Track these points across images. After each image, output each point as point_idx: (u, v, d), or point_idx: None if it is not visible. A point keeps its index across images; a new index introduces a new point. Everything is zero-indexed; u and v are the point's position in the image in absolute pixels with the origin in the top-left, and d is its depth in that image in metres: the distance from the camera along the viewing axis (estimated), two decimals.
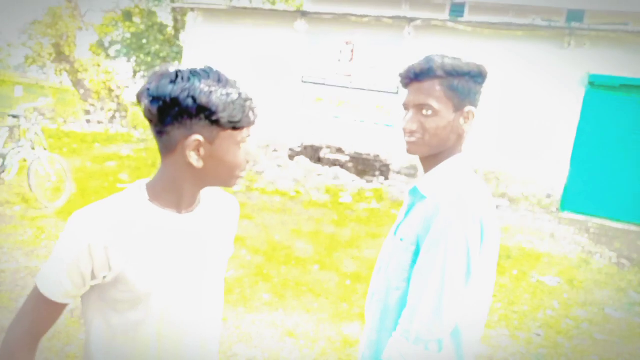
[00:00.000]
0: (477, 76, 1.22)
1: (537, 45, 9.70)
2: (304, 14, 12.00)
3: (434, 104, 1.18)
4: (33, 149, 5.67)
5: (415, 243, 1.15)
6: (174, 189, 1.03)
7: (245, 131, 1.03)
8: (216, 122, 0.96)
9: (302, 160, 10.29)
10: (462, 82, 1.19)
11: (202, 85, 0.94)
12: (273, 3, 22.71)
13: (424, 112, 1.20)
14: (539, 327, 4.02)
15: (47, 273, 0.98)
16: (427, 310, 1.09)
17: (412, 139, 1.25)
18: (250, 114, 1.02)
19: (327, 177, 9.61)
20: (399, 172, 10.78)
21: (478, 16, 11.14)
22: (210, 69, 0.98)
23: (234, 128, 0.99)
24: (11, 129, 5.88)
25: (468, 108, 1.23)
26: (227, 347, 3.05)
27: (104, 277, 0.97)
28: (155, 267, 1.00)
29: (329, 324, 3.52)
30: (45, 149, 5.84)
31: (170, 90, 0.93)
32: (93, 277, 0.97)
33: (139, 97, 0.99)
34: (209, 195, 1.14)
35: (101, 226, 0.96)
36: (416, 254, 1.15)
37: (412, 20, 10.73)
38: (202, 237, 1.09)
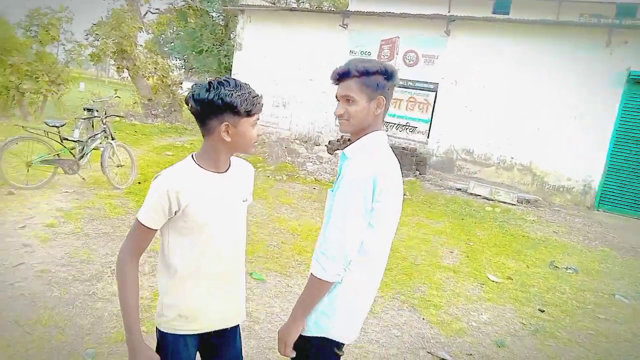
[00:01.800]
0: (385, 74, 1.63)
1: (578, 42, 9.77)
2: (347, 14, 12.51)
3: (353, 95, 1.62)
4: (105, 138, 6.56)
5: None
6: (214, 157, 1.64)
7: (255, 116, 1.61)
8: (237, 113, 1.55)
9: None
10: (373, 79, 1.62)
11: (225, 90, 1.53)
12: (319, 3, 23.28)
13: (348, 101, 1.64)
14: (544, 305, 4.42)
15: (144, 210, 1.56)
16: (337, 243, 1.55)
17: (341, 120, 1.69)
18: (258, 105, 1.60)
19: None
20: (434, 167, 11.13)
21: (524, 13, 11.23)
22: (229, 78, 1.59)
23: (248, 115, 1.58)
24: (86, 120, 6.79)
25: (379, 97, 1.64)
26: (266, 301, 3.70)
27: (175, 212, 1.60)
28: (206, 207, 1.63)
29: None
30: (114, 139, 6.73)
31: (206, 95, 1.53)
32: (170, 212, 1.59)
33: (187, 101, 1.58)
34: (235, 162, 1.77)
35: (173, 180, 1.58)
36: None
37: (452, 18, 10.99)
38: (233, 189, 1.72)
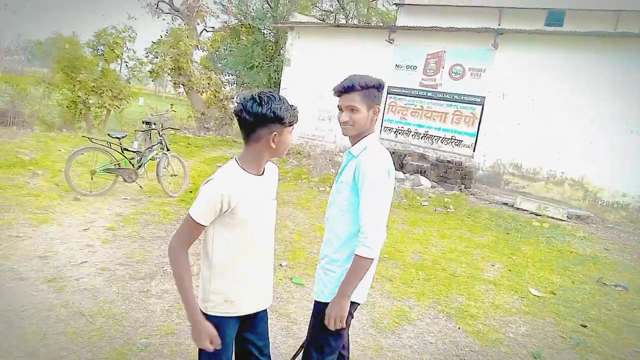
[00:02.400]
0: (379, 87, 2.03)
1: (636, 54, 9.44)
2: (393, 29, 12.67)
3: (357, 105, 1.98)
4: (161, 149, 7.02)
5: (350, 182, 2.00)
6: (258, 162, 1.90)
7: (293, 126, 1.90)
8: (283, 123, 1.82)
9: None
10: (371, 91, 2.00)
11: (275, 104, 1.78)
12: (367, 18, 23.55)
13: (352, 110, 2.00)
14: (588, 321, 4.33)
15: (197, 209, 1.79)
16: (377, 226, 1.94)
17: (346, 127, 2.05)
18: (297, 116, 1.89)
19: (408, 183, 10.16)
20: (480, 181, 10.98)
21: (579, 24, 10.98)
22: (273, 92, 1.82)
23: (289, 125, 1.85)
24: (144, 133, 7.30)
25: (375, 106, 2.03)
26: (304, 304, 3.87)
27: (225, 211, 1.82)
28: (250, 206, 1.85)
29: (387, 299, 4.20)
30: (169, 150, 7.19)
31: (259, 109, 1.76)
32: (220, 211, 1.82)
33: (238, 112, 1.79)
34: (267, 165, 2.01)
35: (226, 185, 1.81)
36: (353, 189, 2.01)
37: (500, 31, 10.90)
38: (268, 189, 1.98)
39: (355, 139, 2.06)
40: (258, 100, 1.76)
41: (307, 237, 5.81)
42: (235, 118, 1.88)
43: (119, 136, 6.48)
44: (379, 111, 2.03)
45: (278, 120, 1.78)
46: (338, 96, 2.04)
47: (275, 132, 1.81)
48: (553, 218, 8.86)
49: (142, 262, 4.19)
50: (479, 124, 11.23)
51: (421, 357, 3.28)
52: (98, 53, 14.83)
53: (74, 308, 3.19)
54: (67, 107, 13.41)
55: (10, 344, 2.67)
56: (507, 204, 9.75)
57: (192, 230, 1.83)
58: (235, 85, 27.95)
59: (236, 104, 1.83)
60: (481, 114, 11.21)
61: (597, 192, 9.75)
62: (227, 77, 25.27)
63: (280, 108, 1.78)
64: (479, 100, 11.20)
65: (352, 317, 2.17)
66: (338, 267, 2.05)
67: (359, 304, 2.12)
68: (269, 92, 1.80)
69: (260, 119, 1.77)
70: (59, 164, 7.26)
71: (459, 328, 3.82)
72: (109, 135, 6.54)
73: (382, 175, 1.96)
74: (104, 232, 4.84)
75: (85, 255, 4.13)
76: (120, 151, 6.52)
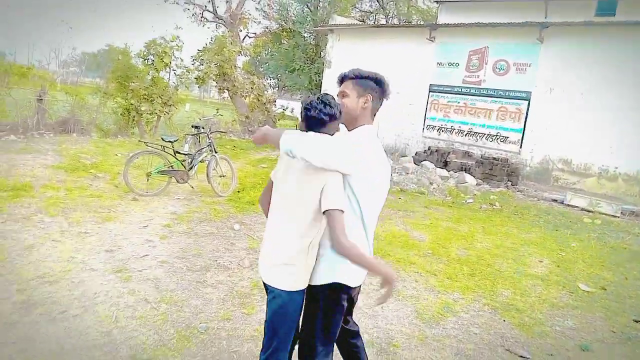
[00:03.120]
0: (376, 80, 2.12)
1: None
2: (434, 27, 12.61)
3: (347, 90, 2.12)
4: (210, 151, 7.36)
5: None
6: None
7: None
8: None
9: (428, 164, 10.90)
10: (363, 81, 2.11)
11: (338, 104, 2.03)
12: (408, 17, 23.41)
13: (344, 96, 2.12)
14: None
15: (340, 200, 1.87)
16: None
17: None
18: None
19: (452, 180, 10.09)
20: (527, 177, 10.75)
21: (633, 13, 10.56)
22: (329, 94, 2.05)
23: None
24: (194, 136, 7.67)
25: (366, 95, 2.09)
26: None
27: None
28: None
29: (432, 292, 4.27)
30: (217, 152, 7.52)
31: (332, 110, 1.98)
32: None
33: (315, 115, 1.97)
34: None
35: None
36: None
37: (545, 24, 10.66)
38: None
39: (348, 127, 2.13)
40: (328, 102, 2.00)
41: None
42: (302, 115, 2.06)
43: (171, 140, 6.86)
44: (371, 100, 2.09)
45: (339, 118, 2.05)
46: (339, 86, 2.19)
47: (340, 128, 2.10)
48: (606, 214, 8.59)
49: (197, 256, 4.47)
50: (526, 119, 11.01)
51: (465, 346, 3.35)
52: (148, 62, 15.55)
53: (140, 296, 3.48)
54: (121, 114, 14.14)
55: (87, 325, 2.97)
56: (556, 200, 9.52)
57: (343, 219, 1.88)
58: (276, 88, 28.53)
59: (309, 106, 2.01)
60: (527, 109, 10.99)
61: None
62: (268, 80, 25.83)
63: (339, 106, 2.06)
64: (525, 95, 10.98)
65: (352, 303, 2.21)
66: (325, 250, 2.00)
67: (352, 288, 2.05)
68: (328, 94, 2.05)
69: (333, 118, 2.00)
70: (116, 167, 7.75)
71: (504, 320, 3.85)
72: (162, 139, 6.93)
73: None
74: (161, 229, 5.17)
75: (146, 250, 4.45)
76: (173, 154, 6.90)
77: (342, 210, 1.86)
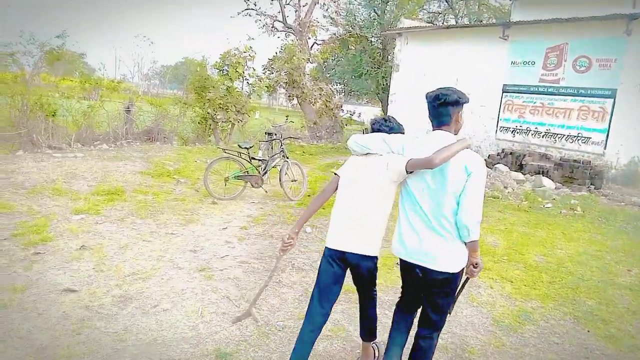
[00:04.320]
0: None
1: None
2: (507, 25, 12.17)
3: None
4: (283, 157, 7.63)
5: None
6: None
7: None
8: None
9: (502, 167, 10.51)
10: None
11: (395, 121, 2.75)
12: (478, 16, 22.71)
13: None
14: None
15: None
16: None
17: None
18: None
19: (528, 184, 9.66)
20: (613, 181, 10.04)
21: None
22: (393, 117, 2.79)
23: None
24: (267, 143, 7.98)
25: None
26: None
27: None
28: None
29: (508, 299, 4.15)
30: (288, 158, 7.78)
31: (389, 124, 2.71)
32: None
33: (374, 126, 2.73)
34: None
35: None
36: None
37: (634, 16, 9.93)
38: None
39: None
40: (391, 120, 2.74)
41: None
42: (371, 129, 2.74)
43: (247, 146, 7.20)
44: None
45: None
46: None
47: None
48: None
49: (273, 257, 4.68)
50: (610, 118, 10.30)
51: (545, 356, 3.24)
52: (223, 73, 16.35)
53: (222, 293, 3.72)
54: (198, 123, 14.99)
55: (176, 319, 3.24)
56: None
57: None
58: (343, 93, 28.73)
59: (374, 122, 2.75)
60: (612, 108, 10.27)
61: None
62: (334, 86, 26.08)
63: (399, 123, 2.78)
64: (610, 93, 10.28)
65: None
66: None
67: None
68: (391, 116, 2.82)
69: (392, 129, 2.70)
70: (196, 172, 8.25)
71: (588, 331, 3.67)
72: (238, 145, 7.30)
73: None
74: (239, 231, 5.46)
75: (226, 250, 4.73)
76: (249, 160, 7.23)
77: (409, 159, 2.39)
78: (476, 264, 2.37)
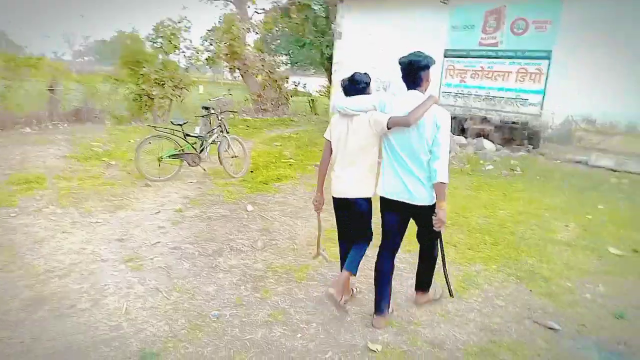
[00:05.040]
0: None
1: None
2: None
3: None
4: (221, 132, 7.23)
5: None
6: None
7: None
8: None
9: None
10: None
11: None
12: None
13: None
14: None
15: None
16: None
17: None
18: None
19: (471, 147, 9.78)
20: (549, 140, 10.35)
21: None
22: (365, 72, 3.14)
23: None
24: (204, 118, 7.53)
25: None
26: (367, 273, 3.88)
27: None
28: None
29: (452, 265, 4.09)
30: (228, 133, 7.39)
31: (368, 79, 3.10)
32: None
33: (352, 83, 3.07)
34: None
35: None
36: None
37: None
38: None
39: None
40: (363, 76, 3.10)
41: None
42: (345, 86, 3.12)
43: (180, 123, 6.75)
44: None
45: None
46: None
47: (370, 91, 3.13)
48: (633, 173, 8.22)
49: (209, 240, 4.39)
50: (546, 80, 10.52)
51: (490, 320, 3.19)
52: (157, 46, 15.41)
53: (151, 285, 3.42)
54: (133, 100, 14.11)
55: (96, 319, 2.91)
56: (580, 162, 9.16)
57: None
58: (289, 65, 28.08)
59: (352, 78, 3.08)
60: (548, 69, 10.48)
61: None
62: (280, 57, 25.38)
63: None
64: (545, 54, 10.45)
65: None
66: None
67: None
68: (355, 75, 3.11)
69: (367, 85, 3.10)
70: (129, 154, 7.69)
71: (530, 291, 3.67)
72: (171, 122, 6.83)
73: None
74: (173, 214, 5.10)
75: (158, 237, 4.39)
76: (183, 137, 6.79)
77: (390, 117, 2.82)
78: (436, 215, 2.81)
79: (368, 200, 3.04)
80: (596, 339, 3.00)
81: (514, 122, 10.42)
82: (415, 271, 3.38)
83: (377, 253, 3.11)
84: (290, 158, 8.75)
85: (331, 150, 3.10)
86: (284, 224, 5.01)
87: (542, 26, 10.58)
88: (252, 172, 7.43)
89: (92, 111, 12.24)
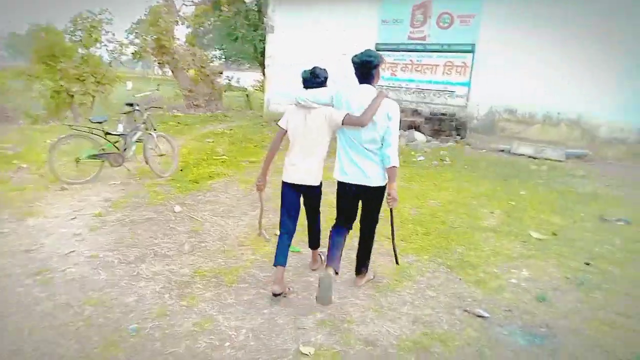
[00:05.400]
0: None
1: None
2: None
3: None
4: (146, 130, 6.83)
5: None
6: None
7: None
8: None
9: None
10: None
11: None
12: None
13: None
14: (591, 259, 4.25)
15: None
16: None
17: None
18: None
19: (403, 139, 9.97)
20: (475, 130, 10.78)
21: None
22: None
23: None
24: (128, 115, 7.07)
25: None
26: (301, 271, 3.79)
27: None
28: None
29: (385, 257, 4.08)
30: (155, 130, 7.00)
31: (326, 74, 3.39)
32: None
33: (313, 78, 3.32)
34: None
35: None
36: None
37: None
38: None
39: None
40: (320, 70, 3.35)
41: None
42: (305, 79, 3.34)
43: (100, 120, 6.29)
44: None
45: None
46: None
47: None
48: (551, 160, 8.73)
49: (131, 245, 4.09)
50: (471, 72, 10.94)
51: (422, 312, 3.20)
52: (76, 39, 14.40)
53: (61, 300, 3.10)
54: (51, 97, 13.11)
55: None
56: (503, 150, 9.61)
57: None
58: (223, 59, 27.34)
59: (312, 73, 3.32)
60: (472, 62, 10.90)
61: (595, 129, 9.56)
62: (213, 52, 24.64)
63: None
64: (470, 48, 10.85)
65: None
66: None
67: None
68: (314, 69, 3.35)
69: (325, 79, 3.36)
70: (44, 155, 7.08)
71: (460, 279, 3.74)
72: (89, 120, 6.35)
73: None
74: (91, 219, 4.73)
75: (73, 245, 4.02)
76: (104, 136, 6.34)
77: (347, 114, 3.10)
78: (390, 194, 3.17)
79: (320, 187, 3.40)
80: (522, 324, 3.09)
81: (442, 114, 10.75)
82: (344, 271, 3.33)
83: (332, 227, 3.48)
84: (223, 155, 8.47)
85: (282, 139, 3.34)
86: (215, 225, 4.79)
87: (467, 20, 10.96)
88: (181, 170, 7.10)
89: (3, 110, 11.23)
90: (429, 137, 10.30)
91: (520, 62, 10.21)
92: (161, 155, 6.87)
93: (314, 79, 3.29)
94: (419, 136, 10.07)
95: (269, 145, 3.34)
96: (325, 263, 3.32)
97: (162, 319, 2.94)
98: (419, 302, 3.34)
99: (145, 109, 7.02)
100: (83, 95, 13.38)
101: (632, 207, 6.00)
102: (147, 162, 6.59)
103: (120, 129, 6.81)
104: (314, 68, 3.32)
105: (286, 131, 3.29)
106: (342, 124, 3.09)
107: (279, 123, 3.33)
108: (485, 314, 3.17)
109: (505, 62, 10.38)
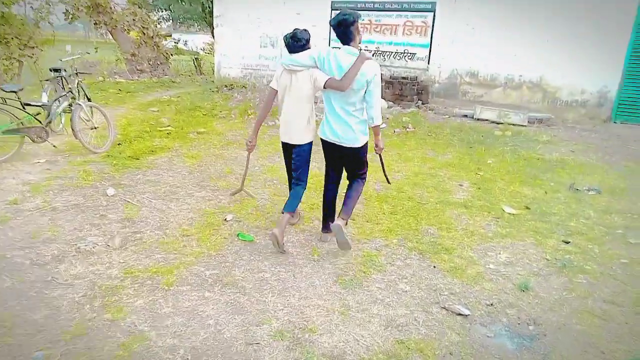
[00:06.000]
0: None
1: None
2: None
3: None
4: (74, 99, 5.96)
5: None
6: None
7: None
8: None
9: None
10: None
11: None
12: None
13: None
14: (568, 235, 3.96)
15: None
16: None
17: None
18: None
19: None
20: (437, 94, 10.40)
21: None
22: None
23: None
24: (53, 82, 6.14)
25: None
26: (255, 265, 3.27)
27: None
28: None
29: (353, 244, 3.62)
30: (85, 99, 6.14)
31: (308, 35, 3.35)
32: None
33: (296, 41, 3.30)
34: None
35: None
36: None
37: None
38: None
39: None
40: (303, 32, 3.33)
41: (256, 180, 5.12)
42: (287, 43, 3.34)
43: (14, 89, 5.39)
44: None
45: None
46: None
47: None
48: (515, 125, 8.50)
49: (49, 241, 3.42)
50: (432, 33, 10.44)
51: (395, 312, 2.76)
52: None
53: None
54: None
55: None
56: (467, 115, 9.30)
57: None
58: (171, 21, 25.53)
59: (287, 38, 3.33)
60: (433, 22, 10.39)
61: (556, 92, 9.39)
62: (161, 13, 22.91)
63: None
64: (430, 6, 10.32)
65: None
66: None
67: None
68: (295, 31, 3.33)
69: (308, 42, 3.35)
70: None
71: (434, 267, 3.33)
72: (1, 89, 5.43)
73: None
74: (3, 207, 3.98)
75: None
76: (21, 107, 5.45)
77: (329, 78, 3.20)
78: (377, 145, 3.41)
79: (310, 144, 3.50)
80: (507, 322, 2.71)
81: (403, 78, 10.27)
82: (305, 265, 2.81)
83: (323, 186, 3.73)
84: (169, 126, 7.68)
85: (274, 99, 3.50)
86: (154, 210, 4.16)
87: None
88: (119, 144, 6.33)
89: None
90: (390, 103, 9.83)
91: (481, 22, 9.80)
92: (93, 128, 6.05)
93: (295, 42, 3.30)
94: None
95: (260, 105, 3.05)
96: (321, 229, 3.75)
97: (78, 340, 2.35)
98: (390, 300, 2.90)
99: (75, 75, 6.14)
100: (7, 59, 11.92)
101: (599, 174, 5.81)
102: (76, 137, 5.76)
103: (44, 98, 5.92)
104: (294, 31, 3.32)
105: (277, 91, 3.45)
106: (324, 87, 3.19)
107: (270, 84, 3.53)
108: (466, 311, 2.77)
109: (466, 22, 9.95)
